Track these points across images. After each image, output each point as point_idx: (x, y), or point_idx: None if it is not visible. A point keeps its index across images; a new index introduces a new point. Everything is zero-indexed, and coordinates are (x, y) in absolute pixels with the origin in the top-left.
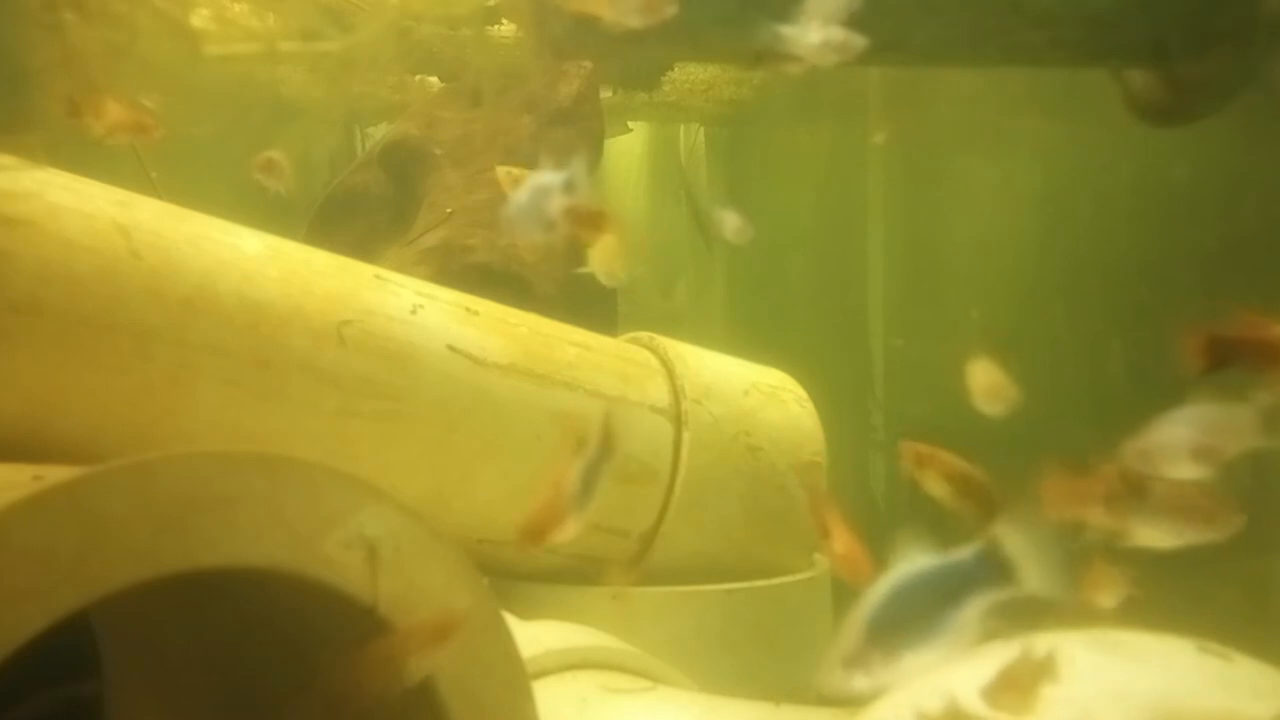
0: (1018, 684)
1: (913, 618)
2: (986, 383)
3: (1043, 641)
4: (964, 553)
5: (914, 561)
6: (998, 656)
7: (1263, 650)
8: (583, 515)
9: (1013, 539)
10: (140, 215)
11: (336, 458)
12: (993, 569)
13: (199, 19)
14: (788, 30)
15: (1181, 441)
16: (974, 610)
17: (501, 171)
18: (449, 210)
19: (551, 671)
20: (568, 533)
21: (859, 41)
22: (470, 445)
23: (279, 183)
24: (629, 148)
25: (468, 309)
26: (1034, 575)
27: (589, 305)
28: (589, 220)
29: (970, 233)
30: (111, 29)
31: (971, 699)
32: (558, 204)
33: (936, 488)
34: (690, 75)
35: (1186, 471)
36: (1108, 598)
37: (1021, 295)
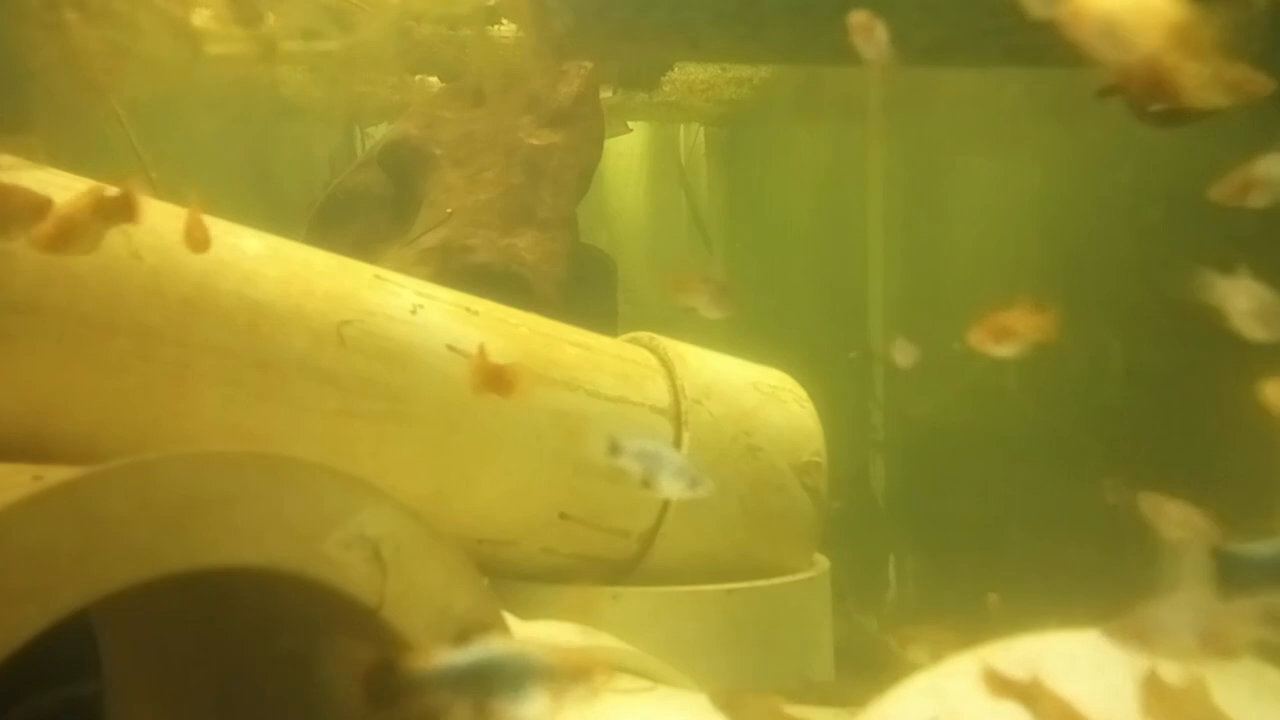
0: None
1: None
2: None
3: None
4: None
5: None
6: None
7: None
8: None
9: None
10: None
11: (336, 458)
12: None
13: (199, 19)
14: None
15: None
16: None
17: None
18: (449, 210)
19: None
20: None
21: None
22: (470, 445)
23: None
24: (629, 148)
25: (468, 309)
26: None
27: (589, 305)
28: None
29: (970, 233)
30: (112, 28)
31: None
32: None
33: None
34: (690, 75)
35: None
36: None
37: (1021, 295)
